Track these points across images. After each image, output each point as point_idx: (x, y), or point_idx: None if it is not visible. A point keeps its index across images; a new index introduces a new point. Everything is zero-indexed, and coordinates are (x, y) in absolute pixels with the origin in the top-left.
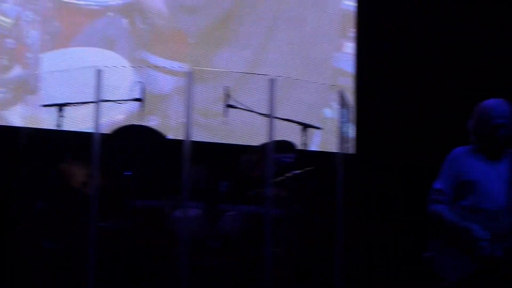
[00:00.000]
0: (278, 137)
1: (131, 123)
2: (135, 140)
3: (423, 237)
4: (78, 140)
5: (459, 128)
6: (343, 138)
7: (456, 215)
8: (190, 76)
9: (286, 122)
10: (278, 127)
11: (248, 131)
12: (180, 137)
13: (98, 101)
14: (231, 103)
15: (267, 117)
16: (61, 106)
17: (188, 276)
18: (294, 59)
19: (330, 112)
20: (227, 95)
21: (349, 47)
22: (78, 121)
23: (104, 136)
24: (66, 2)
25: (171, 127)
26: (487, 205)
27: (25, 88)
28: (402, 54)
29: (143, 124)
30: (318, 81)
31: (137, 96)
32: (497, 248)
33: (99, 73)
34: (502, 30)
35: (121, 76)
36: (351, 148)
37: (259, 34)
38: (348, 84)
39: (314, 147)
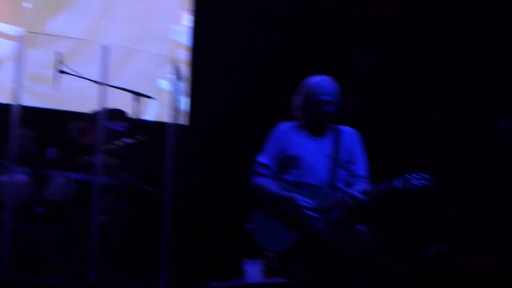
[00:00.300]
0: (111, 105)
1: None
2: None
3: (247, 208)
4: None
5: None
6: (176, 110)
7: (280, 188)
8: (22, 40)
9: (120, 91)
10: (111, 96)
11: (81, 98)
12: (9, 102)
13: None
14: (64, 69)
15: (100, 84)
16: None
17: (10, 240)
18: (133, 29)
19: (166, 84)
20: (60, 61)
21: (188, 20)
22: None
23: None
24: None
25: (4, 92)
26: (311, 180)
27: None
28: (239, 30)
29: None
30: (157, 52)
31: None
32: (319, 220)
33: None
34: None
35: None
36: (184, 120)
37: (98, 2)
38: (184, 57)
39: (150, 118)
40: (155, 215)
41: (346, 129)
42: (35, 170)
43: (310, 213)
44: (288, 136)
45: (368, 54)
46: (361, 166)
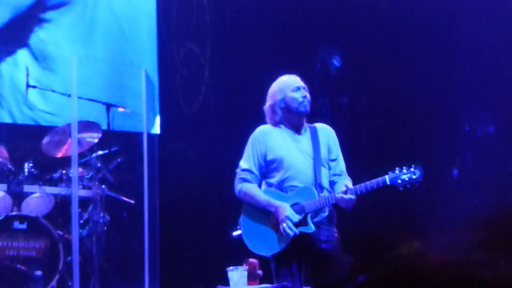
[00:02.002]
0: (83, 117)
1: None
2: None
3: (230, 215)
4: None
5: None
6: (148, 119)
7: (265, 193)
8: None
9: (91, 103)
10: (83, 108)
11: (53, 112)
12: None
13: None
14: (33, 83)
15: (70, 97)
16: None
17: None
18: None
19: (137, 93)
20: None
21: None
22: None
23: None
24: None
25: None
26: (296, 181)
27: None
28: (205, 34)
29: None
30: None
31: None
32: (307, 223)
33: None
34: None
35: None
36: (155, 129)
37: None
38: (153, 65)
39: (123, 128)
40: (135, 227)
41: (320, 125)
42: (11, 186)
43: (292, 228)
44: (268, 138)
45: (337, 53)
46: (341, 162)
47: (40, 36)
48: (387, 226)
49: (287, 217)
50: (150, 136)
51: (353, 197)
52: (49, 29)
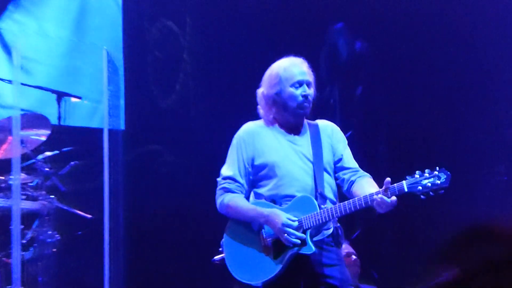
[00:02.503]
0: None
1: None
2: None
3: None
4: None
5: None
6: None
7: (254, 204)
8: None
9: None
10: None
11: None
12: None
13: None
14: None
15: (13, 84)
16: None
17: None
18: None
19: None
20: None
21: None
22: None
23: None
24: None
25: None
26: (292, 190)
27: None
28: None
29: None
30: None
31: None
32: (306, 242)
33: None
34: None
35: None
36: (119, 124)
37: None
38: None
39: (78, 123)
40: (94, 248)
41: (323, 123)
42: None
43: (296, 234)
44: (257, 138)
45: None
46: (351, 159)
47: None
48: None
49: (285, 225)
50: (113, 133)
51: (395, 198)
52: None
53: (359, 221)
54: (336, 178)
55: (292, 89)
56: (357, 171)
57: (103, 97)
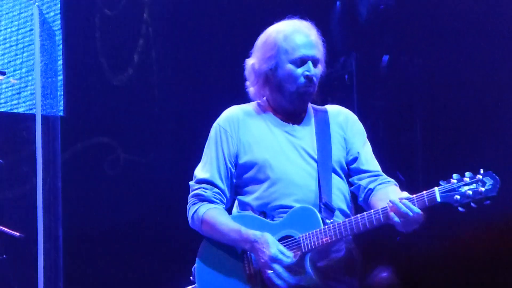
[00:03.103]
0: None
1: None
2: None
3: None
4: None
5: None
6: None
7: (236, 220)
8: None
9: None
10: None
11: None
12: None
13: None
14: None
15: None
16: None
17: None
18: None
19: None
20: None
21: None
22: None
23: None
24: None
25: None
26: (287, 199)
27: None
28: None
29: None
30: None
31: None
32: (304, 271)
33: None
34: None
35: None
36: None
37: None
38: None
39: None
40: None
41: (334, 109)
42: None
43: (283, 275)
44: (242, 127)
45: None
46: (370, 159)
47: None
48: None
49: (274, 258)
50: (48, 121)
51: (419, 211)
52: None
53: None
54: (350, 184)
55: (291, 66)
56: (378, 175)
57: (35, 72)
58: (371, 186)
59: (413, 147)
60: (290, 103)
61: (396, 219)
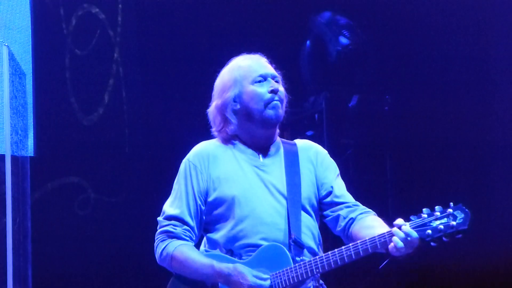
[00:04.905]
0: None
1: None
2: None
3: None
4: None
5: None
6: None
7: (208, 256)
8: None
9: None
10: None
11: None
12: None
13: None
14: None
15: None
16: None
17: None
18: None
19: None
20: None
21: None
22: None
23: None
24: None
25: None
26: (255, 237)
27: None
28: None
29: None
30: None
31: None
32: None
33: None
34: None
35: None
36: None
37: None
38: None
39: None
40: None
41: (304, 143)
42: None
43: None
44: (212, 163)
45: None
46: (346, 194)
47: None
48: None
49: (253, 286)
50: (18, 162)
51: (416, 234)
52: None
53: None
54: (324, 217)
55: (254, 87)
56: (357, 205)
57: (4, 112)
58: (352, 215)
59: (383, 185)
60: (261, 126)
61: (401, 244)
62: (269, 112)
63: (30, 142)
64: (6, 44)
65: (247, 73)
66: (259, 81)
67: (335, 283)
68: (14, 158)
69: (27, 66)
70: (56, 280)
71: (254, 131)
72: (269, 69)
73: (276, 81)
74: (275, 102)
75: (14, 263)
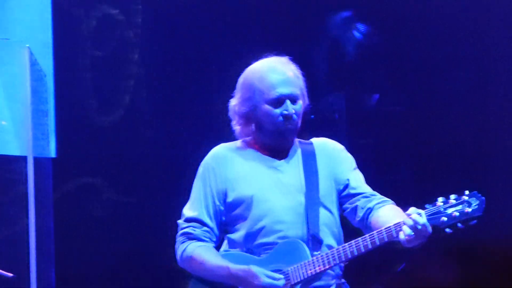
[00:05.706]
0: None
1: None
2: None
3: None
4: None
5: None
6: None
7: (225, 257)
8: None
9: None
10: None
11: None
12: None
13: None
14: None
15: None
16: None
17: None
18: None
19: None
20: None
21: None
22: None
23: None
24: None
25: None
26: (274, 235)
27: None
28: None
29: None
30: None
31: None
32: None
33: None
34: None
35: None
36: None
37: None
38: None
39: None
40: None
41: (321, 141)
42: None
43: None
44: (230, 166)
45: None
46: (364, 185)
47: None
48: None
49: (266, 287)
50: (40, 163)
51: (423, 220)
52: None
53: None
54: (344, 210)
55: (268, 107)
56: (374, 195)
57: (26, 114)
58: (370, 205)
59: (401, 183)
60: (272, 141)
61: (409, 231)
62: (279, 134)
63: (52, 143)
64: (28, 45)
65: (266, 89)
66: (274, 102)
67: (357, 282)
68: (36, 160)
69: (48, 67)
70: (78, 279)
71: (266, 140)
72: (289, 88)
73: (294, 101)
74: (285, 127)
75: (37, 263)
